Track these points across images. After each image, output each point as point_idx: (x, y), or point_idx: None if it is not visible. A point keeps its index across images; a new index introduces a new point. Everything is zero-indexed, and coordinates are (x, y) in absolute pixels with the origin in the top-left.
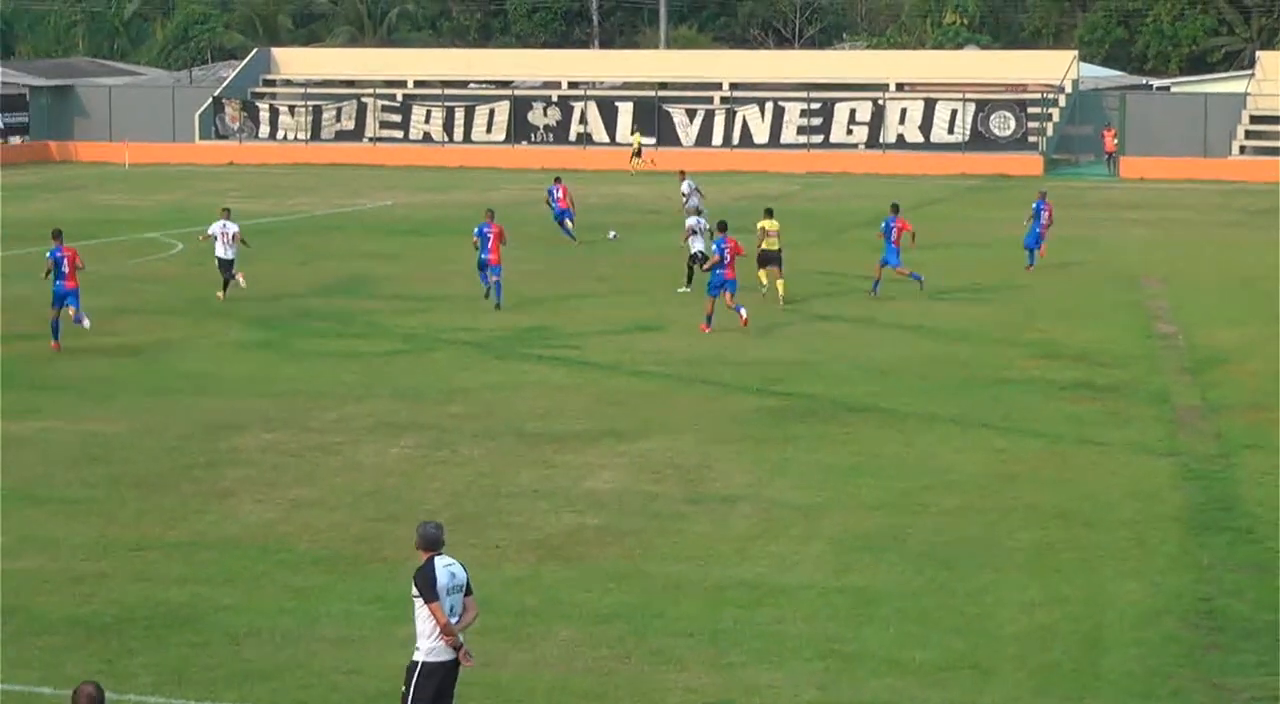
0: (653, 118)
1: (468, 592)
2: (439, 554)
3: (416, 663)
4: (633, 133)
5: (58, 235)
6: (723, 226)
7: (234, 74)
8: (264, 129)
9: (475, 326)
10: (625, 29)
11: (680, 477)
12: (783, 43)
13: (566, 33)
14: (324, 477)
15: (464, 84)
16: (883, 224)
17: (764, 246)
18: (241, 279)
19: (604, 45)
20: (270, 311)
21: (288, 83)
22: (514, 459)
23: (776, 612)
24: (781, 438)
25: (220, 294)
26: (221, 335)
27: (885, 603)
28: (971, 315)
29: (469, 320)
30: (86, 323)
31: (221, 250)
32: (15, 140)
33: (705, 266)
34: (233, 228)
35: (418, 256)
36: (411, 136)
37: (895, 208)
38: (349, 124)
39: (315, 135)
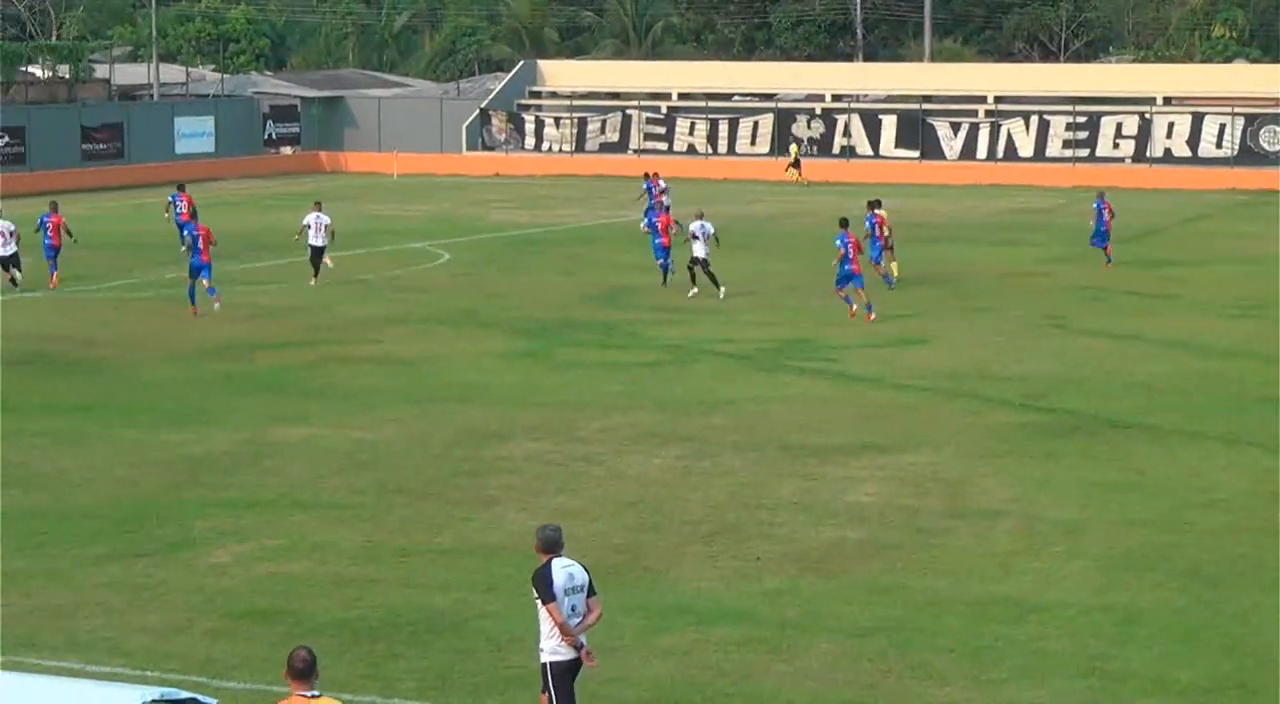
0: (916, 131)
1: (591, 592)
2: (558, 556)
3: (545, 664)
4: (790, 143)
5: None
6: (844, 223)
7: (501, 86)
8: (529, 140)
9: (737, 338)
10: (889, 42)
11: (942, 491)
12: (1048, 56)
13: (830, 45)
14: (586, 486)
15: (728, 96)
16: (866, 221)
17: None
18: (329, 261)
19: (868, 58)
20: (535, 322)
21: (553, 95)
22: (775, 471)
23: (1039, 629)
24: (1044, 453)
25: (313, 281)
26: (487, 345)
27: (1149, 622)
28: (1239, 332)
29: (731, 332)
30: (217, 303)
31: (314, 238)
32: (287, 151)
33: (834, 263)
34: (325, 219)
35: (679, 268)
36: (676, 148)
37: (874, 204)
38: (613, 136)
39: (580, 147)
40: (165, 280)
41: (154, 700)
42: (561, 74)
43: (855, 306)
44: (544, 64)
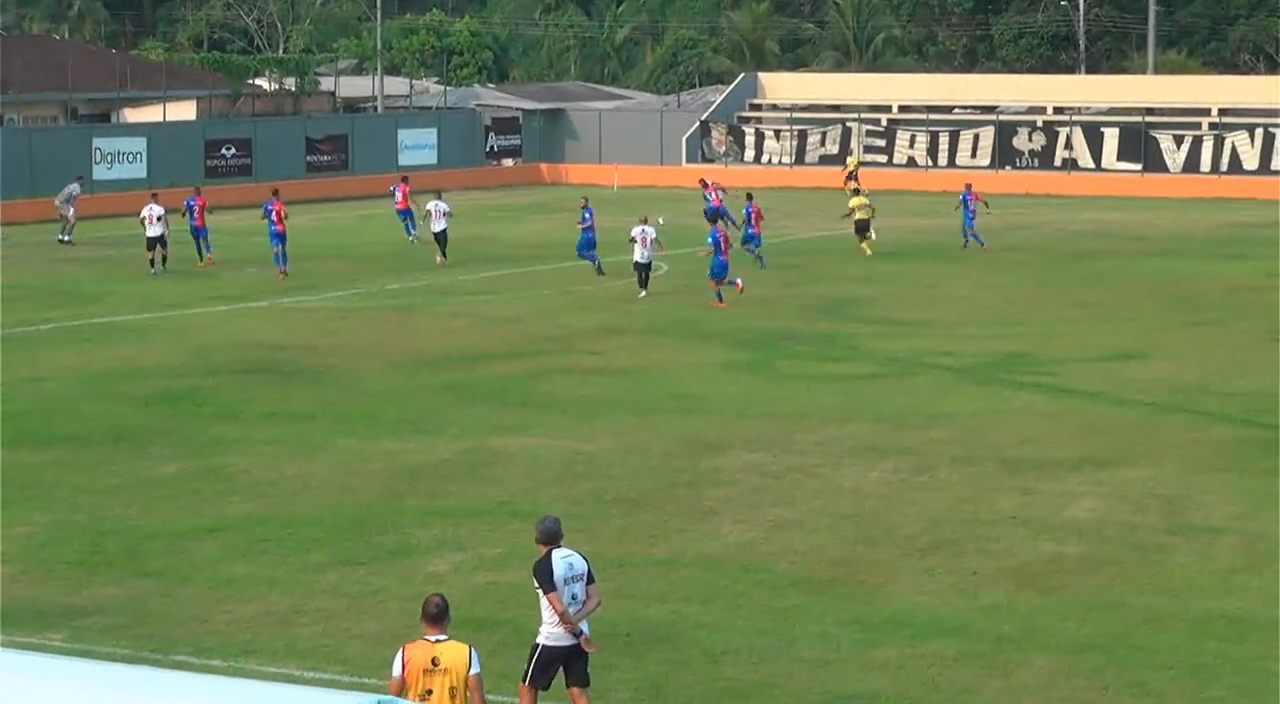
0: (1139, 144)
1: (590, 580)
2: (557, 547)
3: (538, 645)
4: (850, 154)
5: (275, 193)
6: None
7: (721, 98)
8: (749, 153)
9: (957, 351)
10: (1112, 54)
11: (1162, 507)
12: (1274, 68)
13: (1052, 57)
14: (804, 498)
15: (949, 109)
16: (744, 211)
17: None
18: (440, 260)
19: (1090, 70)
20: (755, 334)
21: (774, 107)
22: (994, 485)
23: (1260, 647)
24: (1267, 470)
25: (439, 258)
26: (706, 356)
27: None
28: None
29: (951, 345)
30: (284, 267)
31: (436, 224)
32: (508, 162)
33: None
34: (444, 206)
35: (900, 281)
36: (895, 161)
37: (749, 196)
38: (833, 148)
39: (799, 159)
40: (388, 290)
41: None
42: (782, 86)
43: (741, 283)
44: (764, 76)
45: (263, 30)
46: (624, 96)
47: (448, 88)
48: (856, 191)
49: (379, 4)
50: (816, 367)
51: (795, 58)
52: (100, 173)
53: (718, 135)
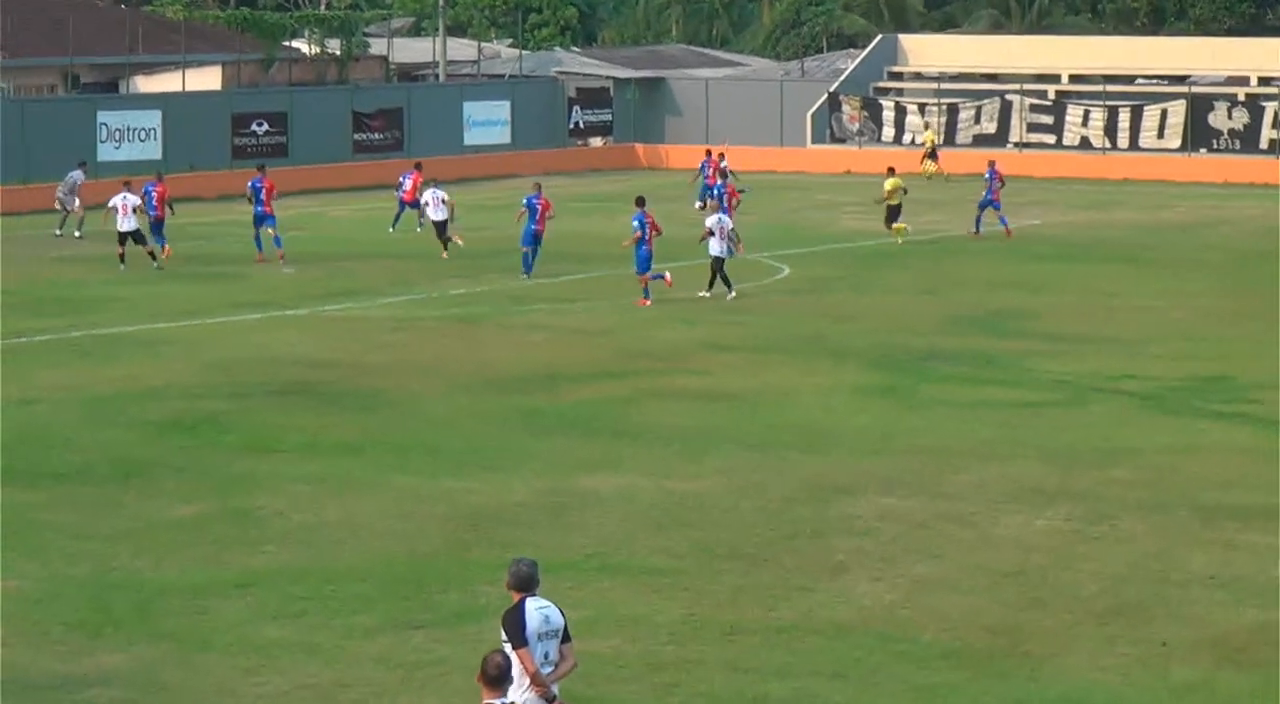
0: None
1: (565, 639)
2: (532, 595)
3: None
4: (925, 128)
5: (261, 168)
6: (640, 202)
7: (854, 65)
8: (887, 131)
9: (1140, 374)
10: None
11: None
12: None
13: (1256, 17)
14: (954, 552)
15: (1130, 79)
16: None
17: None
18: (460, 239)
19: None
20: (892, 351)
21: (917, 76)
22: (1187, 538)
23: None
24: None
25: (444, 254)
26: (834, 379)
27: None
28: None
29: (1133, 366)
30: (283, 261)
31: (434, 213)
32: (596, 142)
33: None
34: (440, 193)
35: (1071, 287)
36: (1066, 142)
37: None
38: (989, 126)
39: (949, 139)
40: (451, 296)
41: None
42: (927, 51)
43: (669, 278)
44: (906, 39)
45: None
46: (736, 63)
47: (524, 52)
48: (928, 177)
49: None
50: (968, 391)
51: (943, 16)
52: (106, 153)
53: (850, 110)
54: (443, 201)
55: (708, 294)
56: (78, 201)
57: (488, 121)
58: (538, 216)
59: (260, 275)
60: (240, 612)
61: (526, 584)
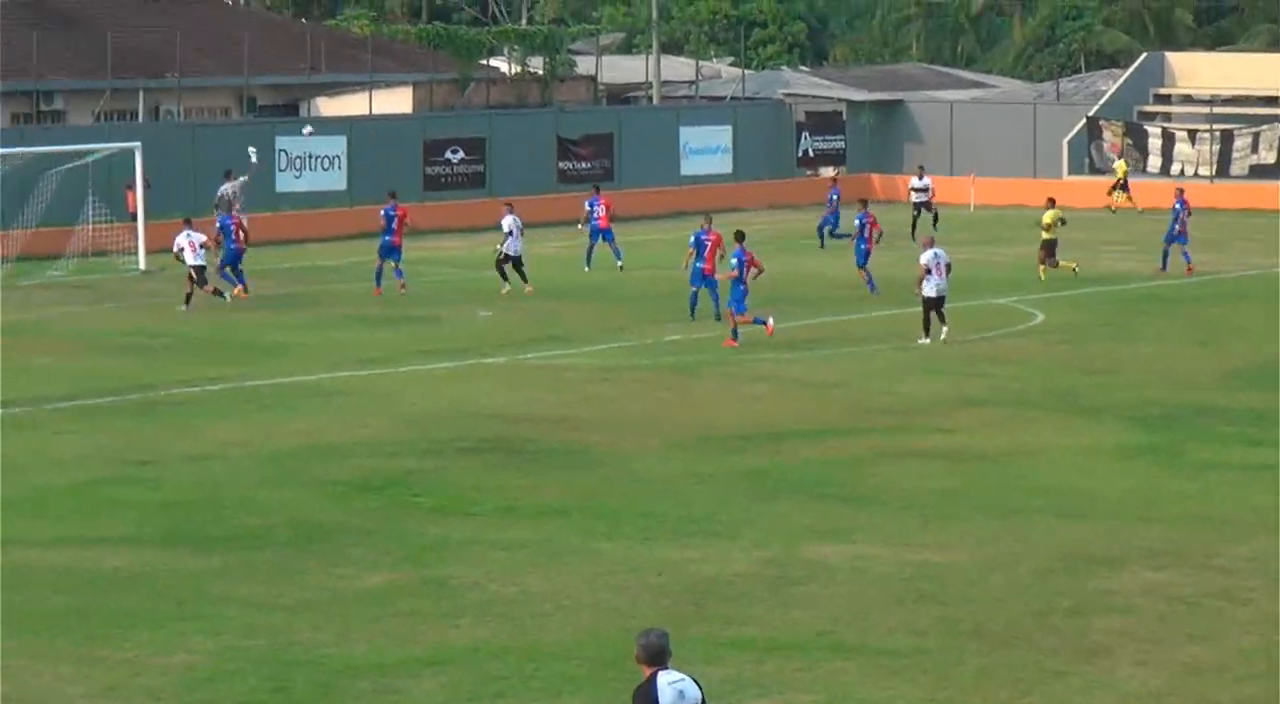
0: None
1: None
2: (664, 669)
3: None
4: (1120, 157)
5: (393, 195)
6: (740, 237)
7: (1115, 87)
8: (1154, 160)
9: None
10: None
11: None
12: None
13: None
14: (1230, 633)
15: None
16: (856, 219)
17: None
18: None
19: None
20: (1158, 407)
21: (1187, 99)
22: None
23: None
24: None
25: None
26: (1092, 438)
27: None
28: None
29: None
30: (403, 282)
31: (512, 246)
32: (827, 171)
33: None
34: (520, 222)
35: None
36: None
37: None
38: (1268, 155)
39: (1222, 171)
40: (666, 343)
41: None
42: (1199, 71)
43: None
44: (1174, 58)
45: None
46: (983, 84)
47: (746, 71)
48: (1113, 210)
49: None
50: (1245, 453)
51: (1216, 32)
52: (285, 183)
53: (1111, 137)
54: (522, 231)
55: (927, 341)
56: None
57: (706, 149)
58: (706, 254)
59: (455, 319)
60: (433, 693)
61: (658, 657)
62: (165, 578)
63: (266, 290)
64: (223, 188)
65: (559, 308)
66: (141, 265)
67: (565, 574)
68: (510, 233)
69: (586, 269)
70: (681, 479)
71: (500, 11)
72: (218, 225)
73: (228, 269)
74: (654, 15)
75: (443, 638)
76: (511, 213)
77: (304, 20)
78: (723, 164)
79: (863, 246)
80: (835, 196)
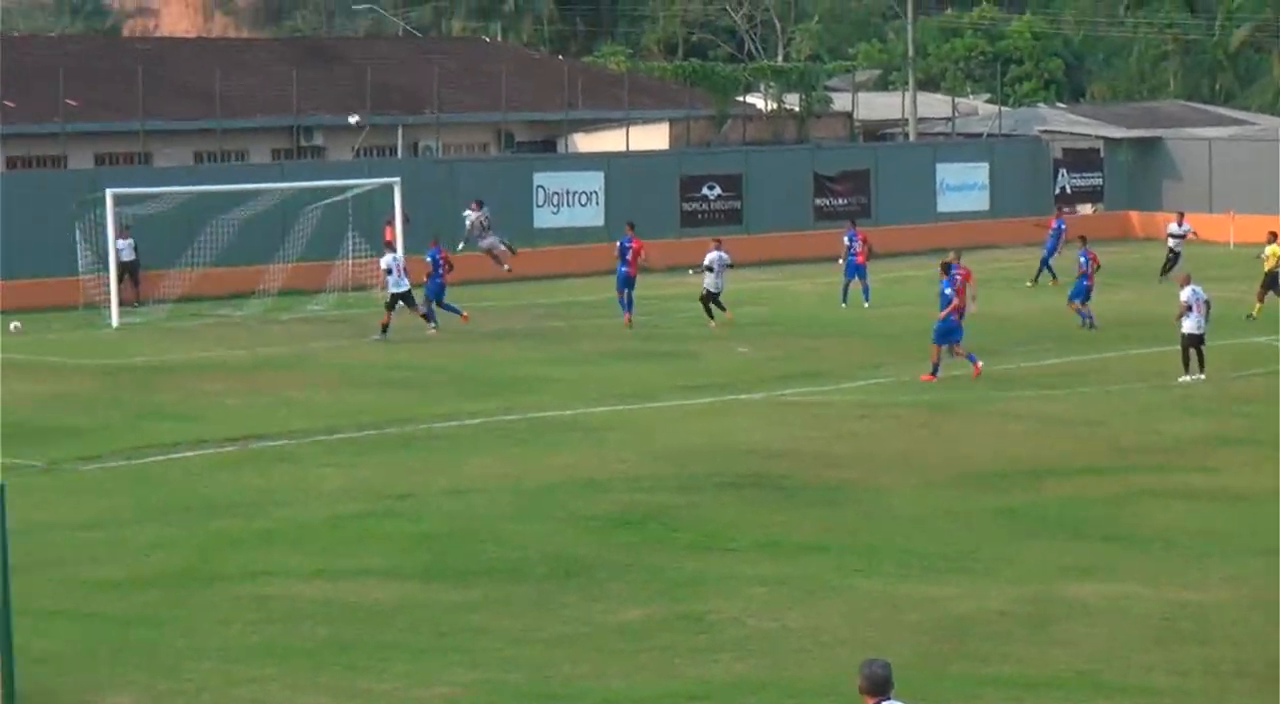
0: None
1: None
2: (887, 698)
3: None
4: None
5: (631, 226)
6: (946, 268)
7: None
8: None
9: None
10: None
11: None
12: None
13: None
14: None
15: None
16: (1080, 256)
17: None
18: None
19: None
20: None
21: None
22: None
23: None
24: None
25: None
26: None
27: None
28: None
29: None
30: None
31: (713, 283)
32: (1085, 209)
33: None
34: (725, 257)
35: None
36: None
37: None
38: None
39: None
40: (923, 381)
41: None
42: None
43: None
44: None
45: (756, 31)
46: (1243, 121)
47: (1003, 108)
48: None
49: None
50: None
51: None
52: (543, 219)
53: None
54: (725, 268)
55: (1189, 379)
56: (491, 239)
57: (963, 185)
58: (955, 289)
59: (712, 355)
60: None
61: (881, 687)
62: (425, 610)
63: (522, 325)
64: (471, 216)
65: (817, 344)
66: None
67: (823, 610)
68: (712, 268)
69: (843, 305)
70: (938, 516)
71: (756, 48)
72: (428, 258)
73: (433, 304)
74: (910, 52)
75: (701, 673)
76: (718, 249)
77: (561, 57)
78: (979, 201)
79: (1084, 283)
80: (1061, 227)
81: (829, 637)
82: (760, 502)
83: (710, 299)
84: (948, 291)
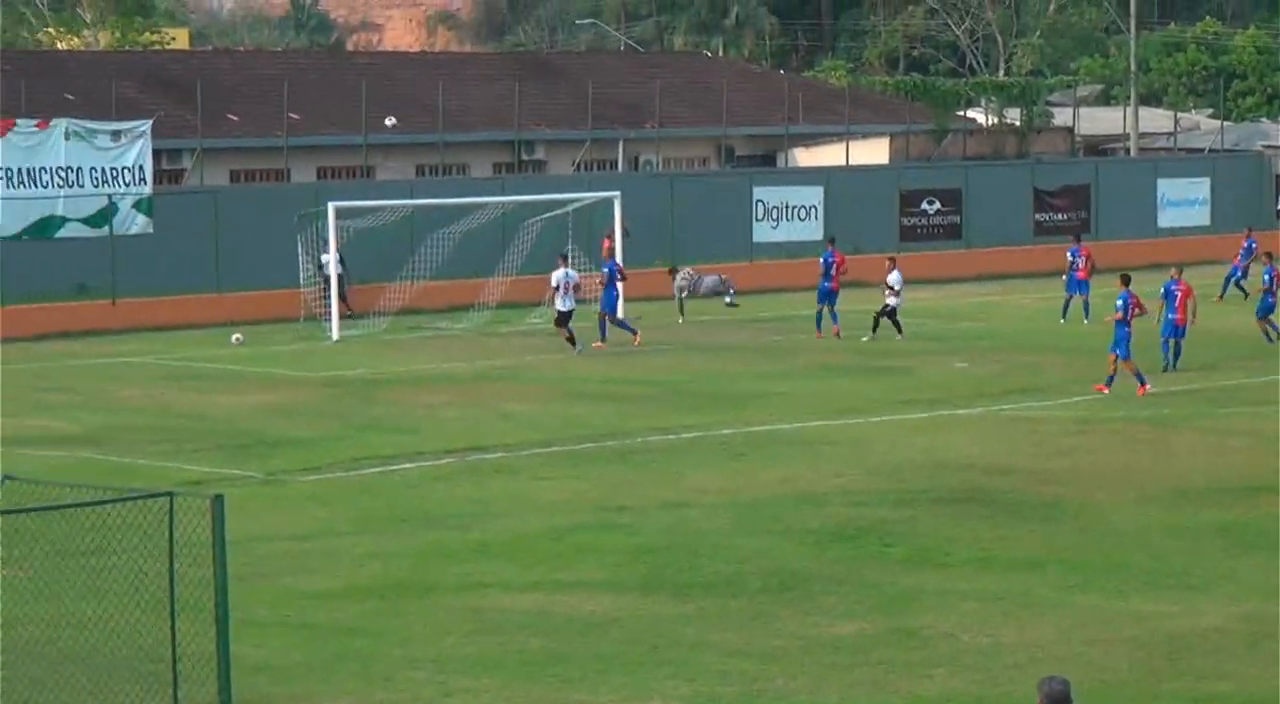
0: None
1: None
2: None
3: None
4: None
5: (831, 241)
6: (1126, 280)
7: None
8: None
9: None
10: None
11: None
12: None
13: None
14: None
15: None
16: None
17: None
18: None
19: None
20: None
21: None
22: None
23: None
24: None
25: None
26: None
27: None
28: None
29: None
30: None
31: (896, 298)
32: None
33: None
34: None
35: None
36: None
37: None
38: None
39: None
40: (1142, 396)
41: None
42: None
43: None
44: None
45: (977, 46)
46: None
47: (1225, 123)
48: None
49: (1133, 10)
50: None
51: None
52: (762, 233)
53: None
54: (898, 293)
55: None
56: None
57: (1184, 201)
58: (1176, 304)
59: (929, 369)
60: None
61: (1059, 701)
62: (640, 623)
63: (739, 339)
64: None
65: (1035, 359)
66: (619, 313)
67: (1038, 626)
68: (893, 287)
69: (1062, 321)
70: (1156, 532)
71: (978, 62)
72: (605, 269)
73: (604, 317)
74: (1132, 67)
75: (915, 688)
76: (894, 268)
77: (782, 72)
78: (1200, 216)
79: (1269, 301)
80: (1251, 246)
81: (1043, 653)
82: (975, 517)
83: (889, 316)
84: (1119, 303)
